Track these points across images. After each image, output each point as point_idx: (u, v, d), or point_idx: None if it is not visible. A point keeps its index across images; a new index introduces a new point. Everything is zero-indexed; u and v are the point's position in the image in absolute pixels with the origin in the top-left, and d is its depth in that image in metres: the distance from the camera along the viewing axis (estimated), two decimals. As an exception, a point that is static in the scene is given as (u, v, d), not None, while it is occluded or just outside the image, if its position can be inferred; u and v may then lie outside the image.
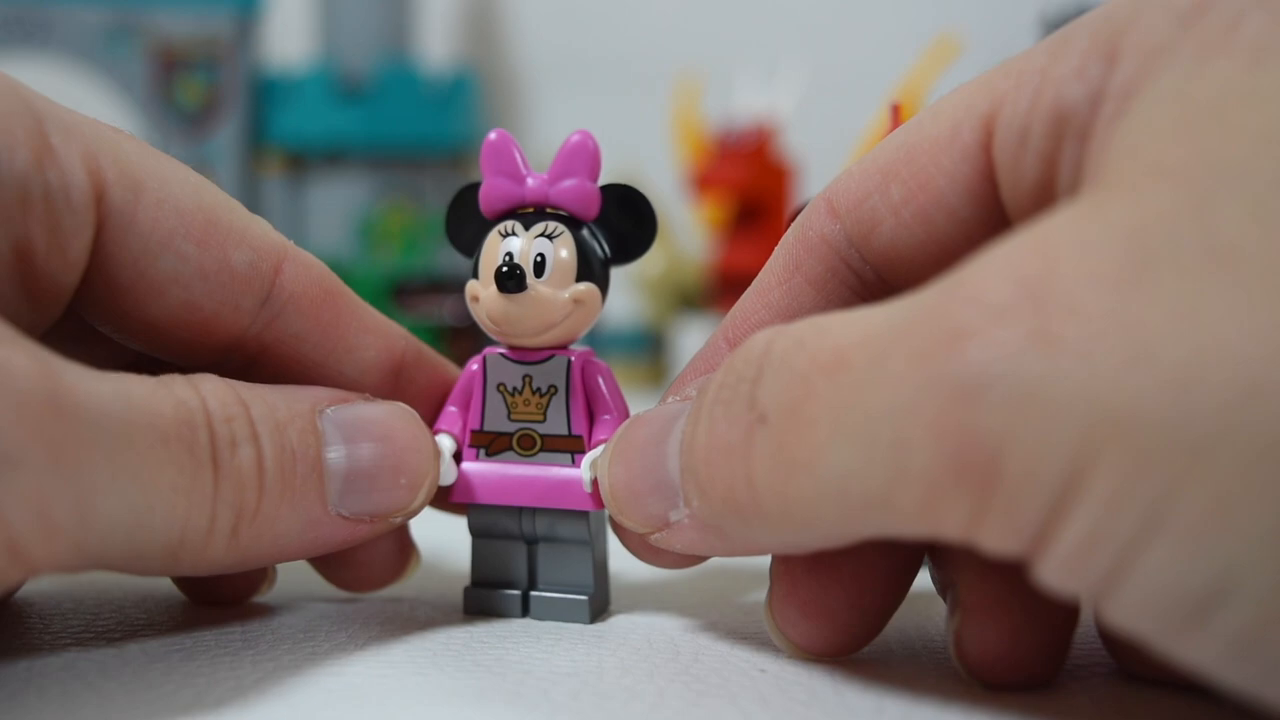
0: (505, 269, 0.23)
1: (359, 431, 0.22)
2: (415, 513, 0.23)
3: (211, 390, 0.20)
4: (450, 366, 0.26)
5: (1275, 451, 0.13)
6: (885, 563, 0.21)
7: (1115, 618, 0.15)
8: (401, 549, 0.26)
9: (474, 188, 0.25)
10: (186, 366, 0.24)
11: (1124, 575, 0.15)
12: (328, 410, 0.22)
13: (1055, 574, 0.15)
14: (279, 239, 0.23)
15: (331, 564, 0.26)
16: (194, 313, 0.22)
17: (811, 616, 0.21)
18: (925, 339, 0.16)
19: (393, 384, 0.25)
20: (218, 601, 0.25)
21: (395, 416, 0.23)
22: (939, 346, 0.16)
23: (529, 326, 0.23)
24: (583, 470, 0.23)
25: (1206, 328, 0.14)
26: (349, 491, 0.22)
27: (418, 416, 0.23)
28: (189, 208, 0.22)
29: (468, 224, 0.25)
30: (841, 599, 0.21)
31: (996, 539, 0.16)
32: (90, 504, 0.18)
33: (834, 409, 0.17)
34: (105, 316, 0.22)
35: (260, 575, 0.25)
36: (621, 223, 0.24)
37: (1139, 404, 0.14)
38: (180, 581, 0.25)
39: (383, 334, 0.25)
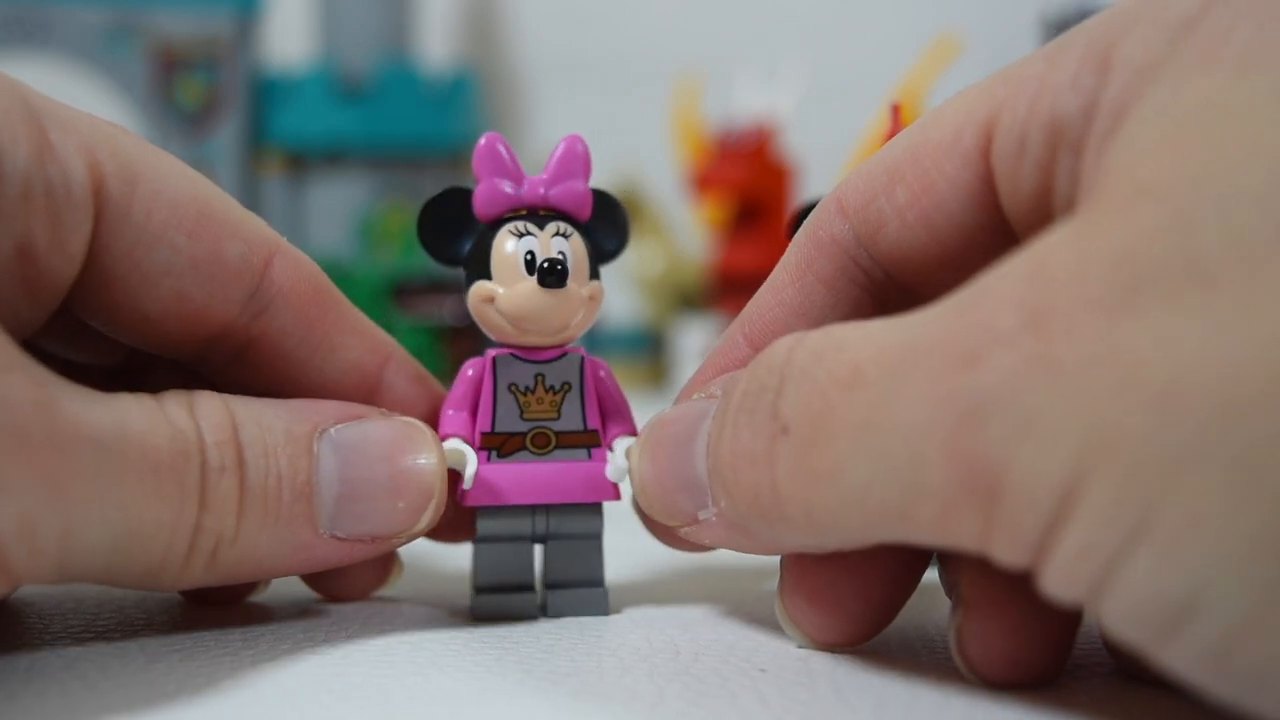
0: (547, 264, 0.23)
1: (358, 453, 0.22)
2: (421, 533, 0.23)
3: (207, 413, 0.21)
4: (432, 378, 0.26)
5: (1246, 467, 0.14)
6: (894, 555, 0.21)
7: (1107, 625, 0.16)
8: (382, 559, 0.26)
9: (450, 194, 0.24)
10: (175, 360, 0.24)
11: (1110, 585, 0.15)
12: (330, 430, 0.22)
13: (1055, 584, 0.16)
14: (270, 233, 0.23)
15: (312, 573, 0.25)
16: (185, 303, 0.22)
17: (821, 607, 0.21)
18: (937, 361, 0.17)
19: (373, 387, 0.25)
20: (214, 602, 0.25)
21: (402, 436, 0.23)
22: (950, 369, 0.16)
23: (554, 323, 0.24)
24: (617, 458, 0.24)
25: (1186, 349, 0.15)
26: (342, 514, 0.22)
27: (430, 434, 0.23)
28: (183, 199, 0.22)
29: (452, 230, 0.24)
30: (850, 589, 0.21)
31: (1004, 551, 0.16)
32: (74, 531, 0.19)
33: (853, 425, 0.18)
34: (98, 309, 0.22)
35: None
36: (604, 225, 0.25)
37: (1126, 424, 0.15)
38: None
39: (367, 337, 0.25)
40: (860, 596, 0.21)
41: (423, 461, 0.23)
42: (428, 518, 0.23)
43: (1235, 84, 0.16)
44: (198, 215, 0.22)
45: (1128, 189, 0.16)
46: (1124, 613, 0.15)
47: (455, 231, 0.24)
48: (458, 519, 0.25)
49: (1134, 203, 0.16)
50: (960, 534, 0.17)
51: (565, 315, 0.24)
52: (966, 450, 0.16)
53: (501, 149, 0.24)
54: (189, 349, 0.23)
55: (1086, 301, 0.16)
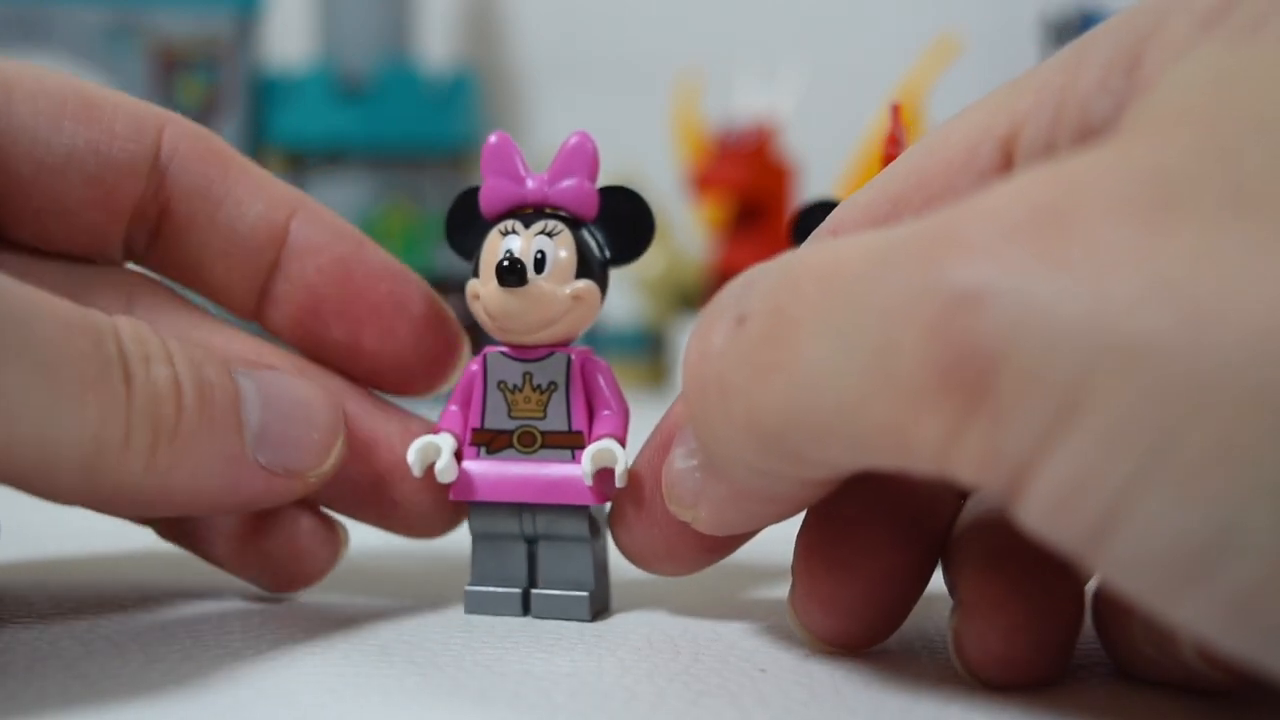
0: (506, 263, 0.23)
1: (271, 385, 0.23)
2: (328, 474, 0.23)
3: (124, 321, 0.21)
4: (349, 225, 0.27)
5: None
6: (902, 560, 0.21)
7: (1106, 571, 0.15)
8: (330, 539, 0.25)
9: (473, 192, 0.25)
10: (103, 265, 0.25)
11: (1118, 521, 0.14)
12: (241, 367, 0.23)
13: (1040, 515, 0.15)
14: (158, 109, 0.25)
15: (259, 562, 0.25)
16: (96, 187, 0.24)
17: (832, 612, 0.21)
18: (931, 247, 0.15)
19: (280, 240, 0.26)
20: (294, 582, 0.25)
21: (304, 382, 0.24)
22: (944, 254, 0.15)
23: (529, 322, 0.24)
24: (584, 463, 0.24)
25: (1225, 271, 0.13)
26: (265, 437, 0.22)
27: (327, 388, 0.24)
28: (64, 93, 0.24)
29: (468, 227, 0.25)
30: (860, 595, 0.21)
31: (973, 464, 0.15)
32: (3, 402, 0.18)
33: (820, 310, 0.16)
34: (20, 219, 0.24)
35: (334, 547, 0.25)
36: (619, 224, 0.24)
37: (1149, 337, 0.13)
38: (246, 565, 0.25)
39: (270, 191, 0.26)
40: (870, 601, 0.21)
41: (326, 397, 0.24)
42: (335, 454, 0.23)
43: (1275, 52, 0.16)
44: (81, 103, 0.24)
45: (1167, 116, 0.16)
46: (1133, 556, 0.14)
47: (472, 229, 0.25)
48: (435, 504, 0.25)
49: (1173, 127, 0.15)
50: (918, 443, 0.15)
51: (540, 314, 0.23)
52: (954, 335, 0.14)
53: (508, 147, 0.24)
54: (113, 239, 0.25)
55: (1111, 208, 0.14)
